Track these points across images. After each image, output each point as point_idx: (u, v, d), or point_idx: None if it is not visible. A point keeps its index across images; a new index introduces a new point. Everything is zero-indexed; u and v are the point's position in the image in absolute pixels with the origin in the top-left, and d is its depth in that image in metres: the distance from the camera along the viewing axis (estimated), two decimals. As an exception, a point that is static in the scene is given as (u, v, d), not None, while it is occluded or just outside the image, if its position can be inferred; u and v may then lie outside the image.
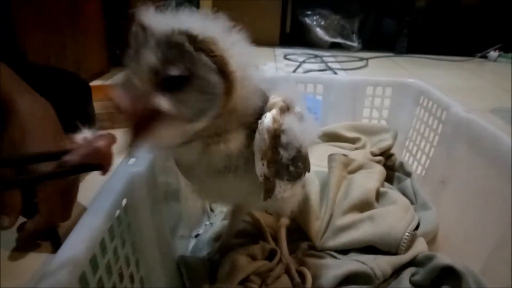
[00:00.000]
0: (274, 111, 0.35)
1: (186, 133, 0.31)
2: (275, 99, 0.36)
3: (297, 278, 0.49)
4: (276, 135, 0.35)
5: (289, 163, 0.37)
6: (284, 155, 0.36)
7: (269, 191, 0.37)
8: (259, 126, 0.34)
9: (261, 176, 0.36)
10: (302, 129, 0.37)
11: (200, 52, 0.28)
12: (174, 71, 0.28)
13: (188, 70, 0.28)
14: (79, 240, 0.29)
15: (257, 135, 0.34)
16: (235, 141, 0.35)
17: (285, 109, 0.36)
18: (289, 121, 0.36)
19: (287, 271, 0.50)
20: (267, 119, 0.34)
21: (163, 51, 0.28)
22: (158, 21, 0.29)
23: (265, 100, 0.36)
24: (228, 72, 0.30)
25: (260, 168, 0.35)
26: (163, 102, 0.28)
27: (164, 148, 0.35)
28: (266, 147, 0.34)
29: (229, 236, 0.55)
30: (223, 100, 0.30)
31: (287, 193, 0.40)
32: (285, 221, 0.52)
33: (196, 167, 0.37)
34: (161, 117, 0.29)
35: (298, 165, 0.39)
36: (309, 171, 0.46)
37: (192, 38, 0.28)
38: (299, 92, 0.42)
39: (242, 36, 0.33)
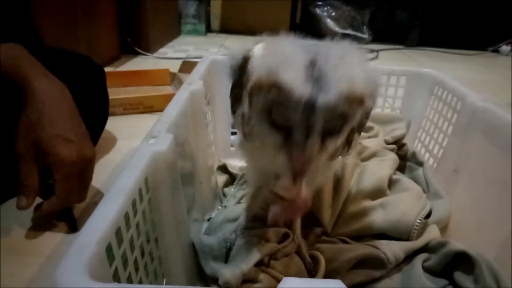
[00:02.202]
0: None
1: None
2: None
3: (308, 258, 0.50)
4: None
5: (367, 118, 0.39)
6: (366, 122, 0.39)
7: (347, 144, 0.38)
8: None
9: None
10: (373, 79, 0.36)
11: (356, 109, 0.31)
12: (333, 128, 0.31)
13: (343, 122, 0.31)
14: (106, 213, 0.29)
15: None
16: None
17: None
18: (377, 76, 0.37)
19: (298, 251, 0.51)
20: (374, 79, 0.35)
21: (326, 117, 0.29)
22: (300, 80, 0.29)
23: None
24: (369, 113, 0.35)
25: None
26: (325, 150, 0.32)
27: None
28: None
29: (247, 218, 0.56)
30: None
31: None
32: None
33: None
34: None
35: (367, 118, 0.40)
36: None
37: (352, 102, 0.29)
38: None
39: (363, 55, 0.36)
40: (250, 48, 0.37)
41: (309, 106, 0.29)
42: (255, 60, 0.35)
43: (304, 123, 0.30)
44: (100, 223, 0.28)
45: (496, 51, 2.27)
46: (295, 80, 0.29)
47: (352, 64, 0.31)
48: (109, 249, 0.29)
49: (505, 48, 2.25)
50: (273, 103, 0.31)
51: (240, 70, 0.38)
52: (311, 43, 0.34)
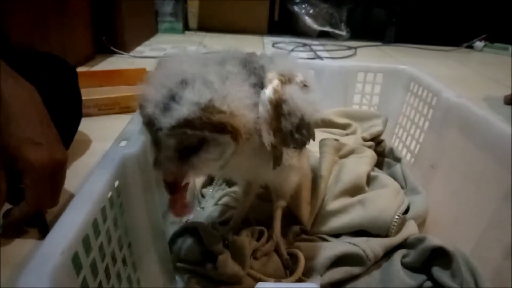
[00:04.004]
0: (275, 83, 0.37)
1: (216, 169, 0.38)
2: (271, 75, 0.38)
3: (285, 255, 0.50)
4: (277, 105, 0.37)
5: (294, 131, 0.39)
6: (287, 124, 0.38)
7: (277, 159, 0.40)
8: (261, 98, 0.37)
9: (268, 145, 0.38)
10: (304, 98, 0.38)
11: (202, 130, 0.32)
12: (191, 146, 0.34)
13: (199, 140, 0.34)
14: (72, 220, 0.28)
15: (260, 108, 0.37)
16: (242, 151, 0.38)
17: (286, 81, 0.38)
18: (289, 91, 0.38)
19: (277, 249, 0.51)
20: (268, 90, 0.37)
21: (175, 138, 0.33)
22: (157, 109, 0.32)
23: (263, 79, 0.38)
24: (229, 131, 0.34)
25: (267, 137, 0.37)
26: (189, 167, 0.35)
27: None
28: (270, 118, 0.37)
29: (240, 217, 0.56)
30: (235, 145, 0.35)
31: (294, 161, 0.42)
32: (282, 203, 0.53)
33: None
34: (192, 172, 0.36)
35: (303, 132, 0.41)
36: (313, 139, 0.48)
37: (191, 125, 0.32)
38: (299, 63, 0.43)
39: (235, 62, 0.37)
40: None
41: (155, 129, 0.32)
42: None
43: (156, 142, 0.34)
44: (65, 231, 0.27)
45: (470, 47, 2.32)
46: (147, 106, 0.33)
47: (213, 84, 0.33)
48: (76, 258, 0.27)
49: (478, 44, 2.30)
50: (144, 126, 0.35)
51: None
52: (205, 59, 0.37)
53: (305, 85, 0.40)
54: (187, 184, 0.37)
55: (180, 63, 0.35)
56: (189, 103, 0.31)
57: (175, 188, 0.36)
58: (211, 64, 0.36)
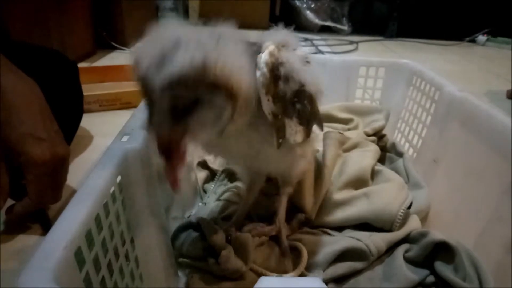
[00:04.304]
0: (271, 47, 0.36)
1: (213, 135, 0.35)
2: (268, 43, 0.37)
3: (285, 243, 0.50)
4: (274, 67, 0.36)
5: (294, 99, 0.38)
6: (286, 88, 0.37)
7: (279, 131, 0.39)
8: (258, 61, 0.36)
9: (269, 114, 0.37)
10: (303, 67, 0.38)
11: (198, 88, 0.31)
12: (186, 106, 0.31)
13: (195, 100, 0.32)
14: (74, 215, 0.28)
15: (257, 72, 0.36)
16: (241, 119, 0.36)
17: (282, 48, 0.38)
18: (286, 55, 0.37)
19: (278, 235, 0.51)
20: (264, 54, 0.36)
21: (169, 98, 0.31)
22: (151, 67, 0.30)
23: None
24: (224, 90, 0.32)
25: (266, 104, 0.36)
26: (183, 130, 0.32)
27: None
28: (267, 81, 0.36)
29: (243, 212, 0.56)
30: (231, 108, 0.33)
31: (298, 137, 0.41)
32: (289, 189, 0.52)
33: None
34: (188, 136, 0.33)
35: (304, 103, 0.40)
36: (321, 127, 0.48)
37: (186, 82, 0.30)
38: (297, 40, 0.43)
39: (230, 33, 0.35)
40: None
41: (149, 88, 0.31)
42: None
43: (150, 104, 0.32)
44: (68, 226, 0.27)
45: (473, 41, 2.31)
46: (143, 67, 0.31)
47: (207, 48, 0.31)
48: (79, 253, 0.27)
49: (481, 38, 2.29)
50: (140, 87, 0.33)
51: None
52: (195, 30, 0.34)
53: (307, 61, 0.40)
54: (184, 153, 0.34)
55: (173, 28, 0.33)
56: (182, 61, 0.30)
57: (170, 155, 0.33)
58: (205, 31, 0.34)
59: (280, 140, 0.40)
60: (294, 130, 0.40)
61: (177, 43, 0.31)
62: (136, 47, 0.33)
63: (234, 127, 0.36)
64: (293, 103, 0.38)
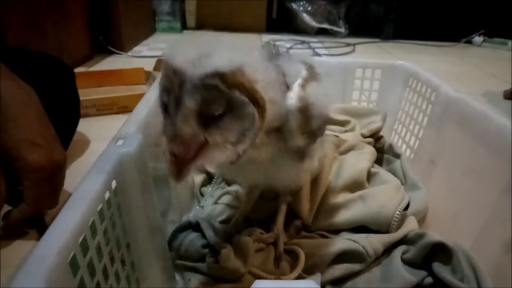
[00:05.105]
0: (296, 89, 0.37)
1: (233, 156, 0.34)
2: (296, 86, 0.38)
3: (281, 249, 0.50)
4: (305, 109, 0.37)
5: (318, 129, 0.40)
6: (314, 124, 0.39)
7: (303, 155, 0.43)
8: (290, 108, 0.37)
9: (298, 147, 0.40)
10: (324, 94, 0.39)
11: (233, 88, 0.31)
12: (216, 109, 0.31)
13: (225, 105, 0.31)
14: (68, 222, 0.28)
15: (290, 117, 0.37)
16: (266, 149, 0.38)
17: (307, 80, 0.39)
18: (313, 93, 0.38)
19: (275, 241, 0.51)
20: (294, 98, 0.37)
21: (201, 94, 0.30)
22: (187, 62, 0.30)
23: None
24: (258, 100, 0.32)
25: (300, 141, 0.39)
26: (210, 135, 0.32)
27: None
28: (301, 123, 0.38)
29: (243, 215, 0.56)
30: (259, 122, 0.33)
31: (316, 153, 0.46)
32: (288, 197, 0.54)
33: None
34: (209, 147, 0.32)
35: (323, 129, 0.43)
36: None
37: (224, 78, 0.30)
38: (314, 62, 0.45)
39: (259, 54, 0.36)
40: None
41: (180, 81, 0.30)
42: None
43: (178, 96, 0.30)
44: (61, 231, 0.27)
45: (469, 42, 2.32)
46: (178, 60, 0.31)
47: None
48: (73, 259, 0.27)
49: (477, 39, 2.29)
50: (163, 82, 0.32)
51: None
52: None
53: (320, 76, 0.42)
54: (192, 160, 0.32)
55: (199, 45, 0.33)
56: (220, 60, 0.30)
57: (183, 153, 0.31)
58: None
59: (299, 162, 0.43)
60: (310, 149, 0.44)
61: (216, 47, 0.31)
62: (170, 43, 0.33)
63: (252, 152, 0.36)
64: (316, 132, 0.41)
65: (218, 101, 0.31)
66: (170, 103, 0.31)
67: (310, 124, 0.38)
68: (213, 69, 0.29)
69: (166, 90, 0.32)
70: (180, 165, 0.31)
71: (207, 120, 0.31)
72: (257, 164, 0.41)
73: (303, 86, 0.38)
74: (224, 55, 0.31)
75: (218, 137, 0.32)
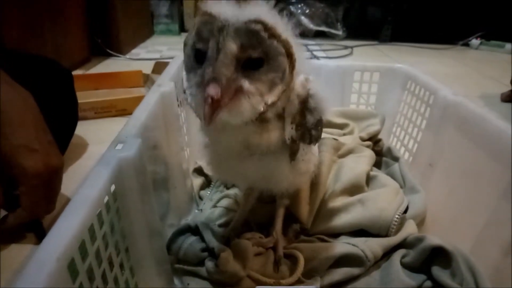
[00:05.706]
0: (301, 78, 0.38)
1: (260, 105, 0.34)
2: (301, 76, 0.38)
3: (280, 253, 0.50)
4: (304, 100, 0.38)
5: (313, 127, 0.40)
6: (310, 119, 0.39)
7: (294, 153, 0.41)
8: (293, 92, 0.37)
9: (289, 139, 0.39)
10: (324, 96, 0.39)
11: (272, 38, 0.32)
12: (254, 55, 0.33)
13: (263, 53, 0.33)
14: (67, 226, 0.28)
15: (290, 102, 0.37)
16: (274, 132, 0.38)
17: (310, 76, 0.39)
18: (315, 87, 0.39)
19: (275, 246, 0.51)
20: (296, 85, 0.37)
21: (242, 39, 0.32)
22: (229, 11, 0.32)
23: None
24: (292, 53, 0.34)
25: (289, 131, 0.38)
26: (245, 82, 0.33)
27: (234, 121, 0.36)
28: (296, 111, 0.38)
29: (241, 218, 0.56)
30: (288, 77, 0.35)
31: (307, 156, 0.45)
32: (286, 201, 0.54)
33: (230, 150, 0.41)
34: (242, 93, 0.33)
35: (319, 129, 0.42)
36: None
37: (266, 26, 0.32)
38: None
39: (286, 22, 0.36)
40: None
41: (221, 26, 0.31)
42: None
43: (218, 39, 0.31)
44: (61, 237, 0.26)
45: (466, 44, 2.32)
46: (218, 5, 0.32)
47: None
48: (72, 264, 0.27)
49: (474, 41, 2.30)
50: (200, 27, 0.33)
51: None
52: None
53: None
54: (226, 104, 0.33)
55: None
56: (261, 9, 0.32)
57: (219, 95, 0.32)
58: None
59: (292, 162, 0.42)
60: (305, 151, 0.43)
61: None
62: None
63: (263, 135, 0.37)
64: (311, 130, 0.40)
65: (256, 48, 0.32)
66: (210, 47, 0.32)
67: (304, 115, 0.38)
68: (257, 16, 0.31)
69: (201, 36, 0.33)
70: (215, 108, 0.32)
71: (243, 66, 0.33)
72: (253, 161, 0.41)
73: (306, 79, 0.39)
74: (264, 7, 0.33)
75: (252, 84, 0.33)
